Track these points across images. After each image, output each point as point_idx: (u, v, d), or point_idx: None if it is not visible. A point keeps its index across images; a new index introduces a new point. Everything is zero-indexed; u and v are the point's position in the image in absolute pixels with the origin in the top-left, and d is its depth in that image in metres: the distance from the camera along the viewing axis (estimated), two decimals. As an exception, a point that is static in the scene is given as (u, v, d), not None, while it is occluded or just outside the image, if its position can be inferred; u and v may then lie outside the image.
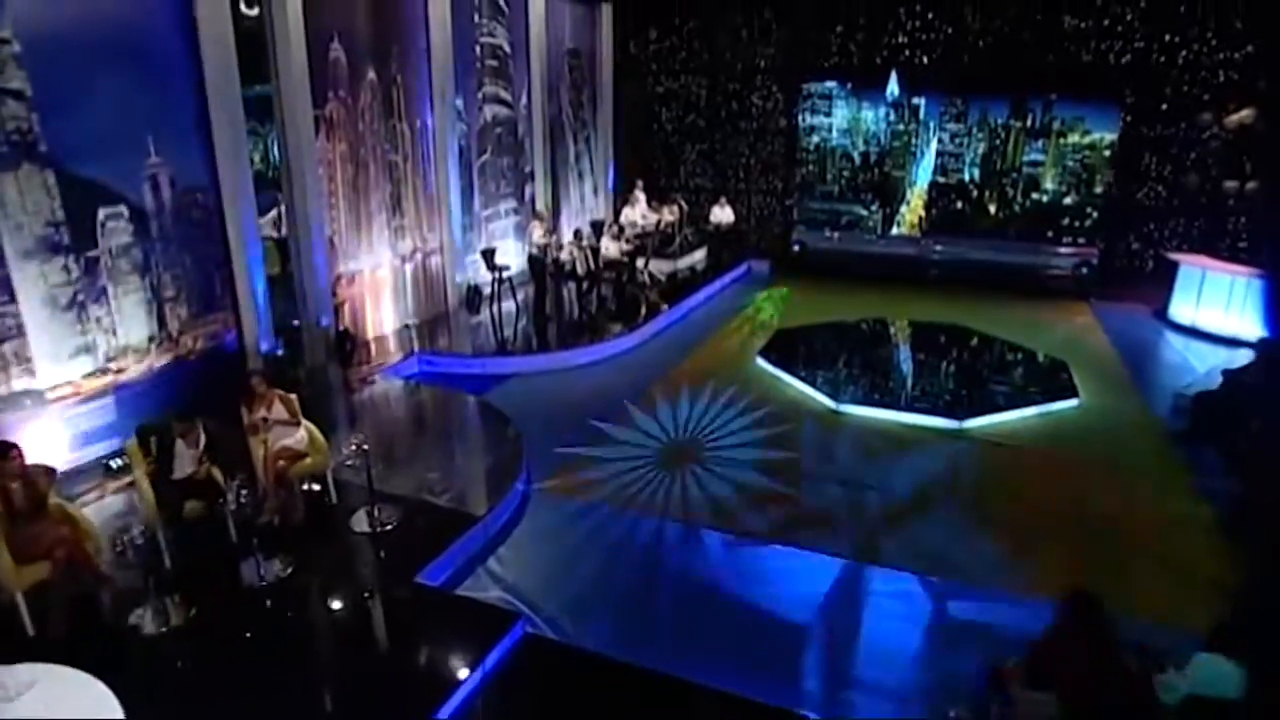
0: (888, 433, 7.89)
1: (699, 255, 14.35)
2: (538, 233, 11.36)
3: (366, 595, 5.17)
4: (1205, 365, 9.76)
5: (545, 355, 10.00)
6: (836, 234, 15.19)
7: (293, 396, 6.22)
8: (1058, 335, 11.18)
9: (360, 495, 6.10)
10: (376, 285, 10.76)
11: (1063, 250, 13.75)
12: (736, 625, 5.09)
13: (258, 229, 8.76)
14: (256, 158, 11.67)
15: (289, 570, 5.42)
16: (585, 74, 15.28)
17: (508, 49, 12.86)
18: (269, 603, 5.08)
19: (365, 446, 5.90)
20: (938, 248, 14.55)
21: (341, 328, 10.03)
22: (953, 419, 8.03)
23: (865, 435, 7.86)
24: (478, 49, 12.21)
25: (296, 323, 9.77)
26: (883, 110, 14.40)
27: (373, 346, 10.26)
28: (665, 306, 11.70)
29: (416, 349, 10.16)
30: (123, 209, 7.45)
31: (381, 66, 10.41)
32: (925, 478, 7.05)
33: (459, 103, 11.73)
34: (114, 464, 6.91)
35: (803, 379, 9.09)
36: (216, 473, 5.62)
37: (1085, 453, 7.52)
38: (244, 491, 5.42)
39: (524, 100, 13.46)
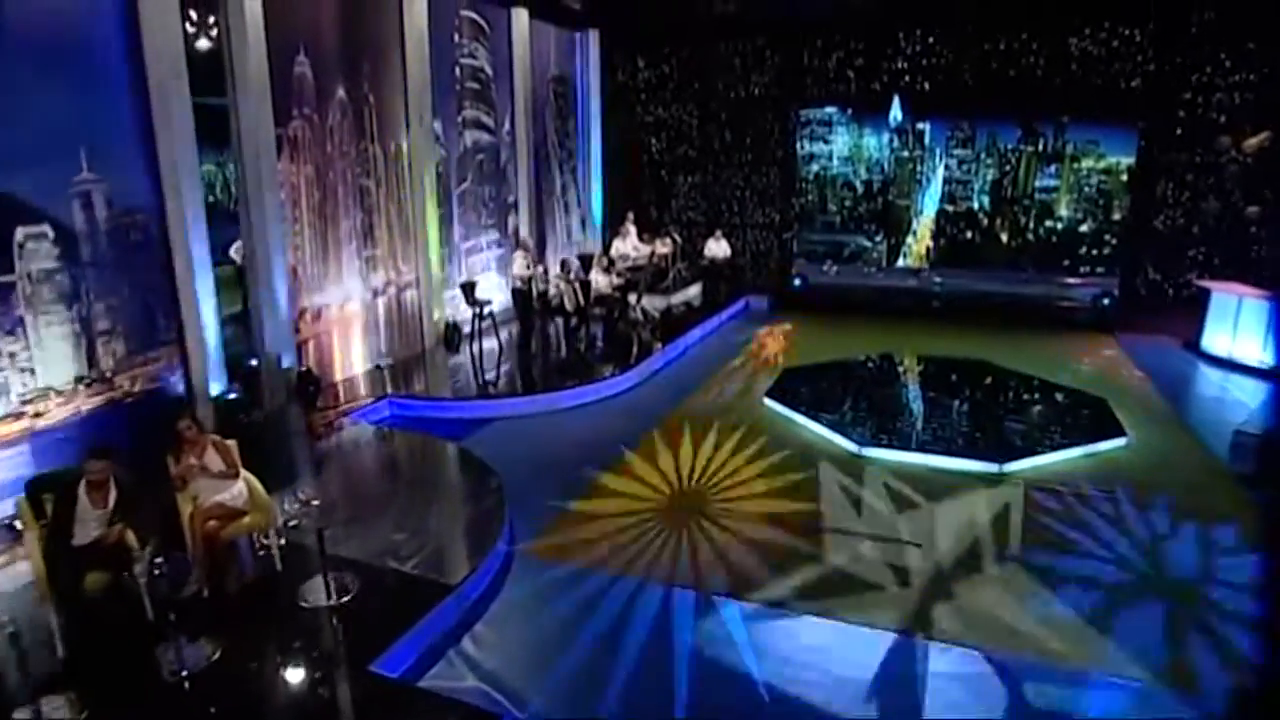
0: (920, 479, 7.04)
1: (694, 291, 13.93)
2: (519, 264, 10.58)
3: (313, 688, 4.15)
4: (1253, 400, 8.99)
5: (531, 397, 9.26)
6: (837, 267, 14.64)
7: (231, 443, 5.24)
8: (1085, 370, 10.48)
9: (314, 561, 5.09)
10: (345, 321, 9.96)
11: (1080, 280, 13.15)
12: (766, 718, 4.12)
13: (209, 256, 7.85)
14: (215, 182, 10.85)
15: (216, 656, 4.39)
16: (572, 101, 14.84)
17: (489, 71, 12.28)
18: (188, 699, 4.05)
19: (314, 502, 4.90)
20: (944, 280, 14.01)
21: (304, 368, 9.13)
22: (991, 462, 7.19)
23: (895, 482, 6.98)
24: (457, 70, 11.60)
25: (255, 362, 8.83)
26: (886, 136, 13.98)
27: (340, 389, 9.43)
28: (660, 345, 11.04)
29: (389, 391, 9.24)
30: (46, 229, 6.53)
31: (352, 84, 9.68)
32: (971, 530, 6.16)
33: (437, 126, 11.13)
34: (19, 524, 5.83)
35: (818, 420, 8.32)
36: (131, 536, 4.60)
37: (1147, 498, 6.65)
38: (159, 560, 4.39)
39: (506, 126, 12.90)
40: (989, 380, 10.12)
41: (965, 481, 7.05)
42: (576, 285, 11.16)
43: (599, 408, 9.16)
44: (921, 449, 7.60)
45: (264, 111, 8.38)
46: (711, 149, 15.36)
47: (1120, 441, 7.79)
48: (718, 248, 14.19)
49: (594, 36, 14.87)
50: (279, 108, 8.63)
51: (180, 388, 7.84)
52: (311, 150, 9.22)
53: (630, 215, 13.80)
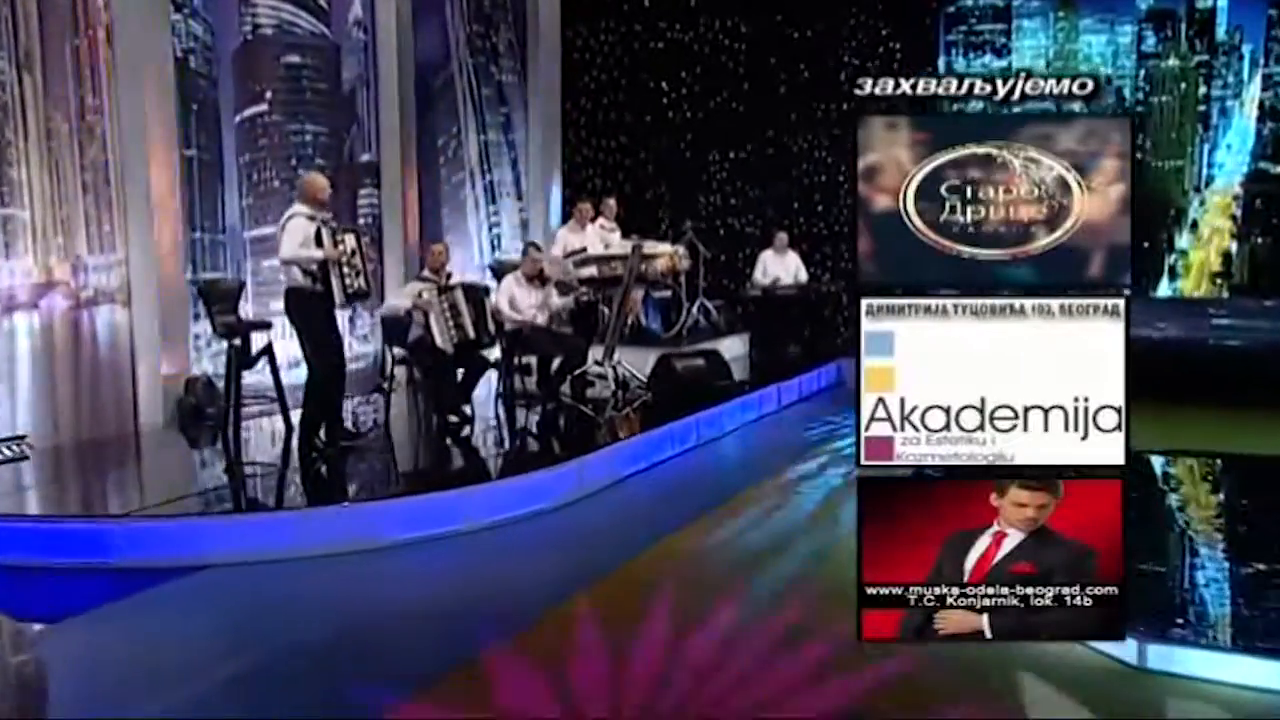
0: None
1: (732, 346, 12.74)
2: (292, 239, 8.60)
3: None
4: None
5: (312, 514, 7.65)
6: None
7: None
8: None
9: None
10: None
11: None
12: None
13: None
14: None
15: None
16: (506, -3, 13.79)
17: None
18: None
19: None
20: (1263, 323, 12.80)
21: None
22: None
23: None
24: None
25: None
26: (1126, 32, 12.87)
27: None
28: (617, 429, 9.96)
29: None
30: None
31: None
32: None
33: (184, -26, 9.76)
34: None
35: None
36: None
37: None
38: None
39: (355, 11, 11.50)
40: None
41: None
42: (459, 298, 9.29)
43: (478, 543, 7.48)
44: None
45: None
46: (772, 96, 14.24)
47: None
48: (781, 266, 12.99)
49: None
50: None
51: None
52: None
53: (610, 202, 12.37)
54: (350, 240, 8.35)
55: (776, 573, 6.79)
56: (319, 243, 8.01)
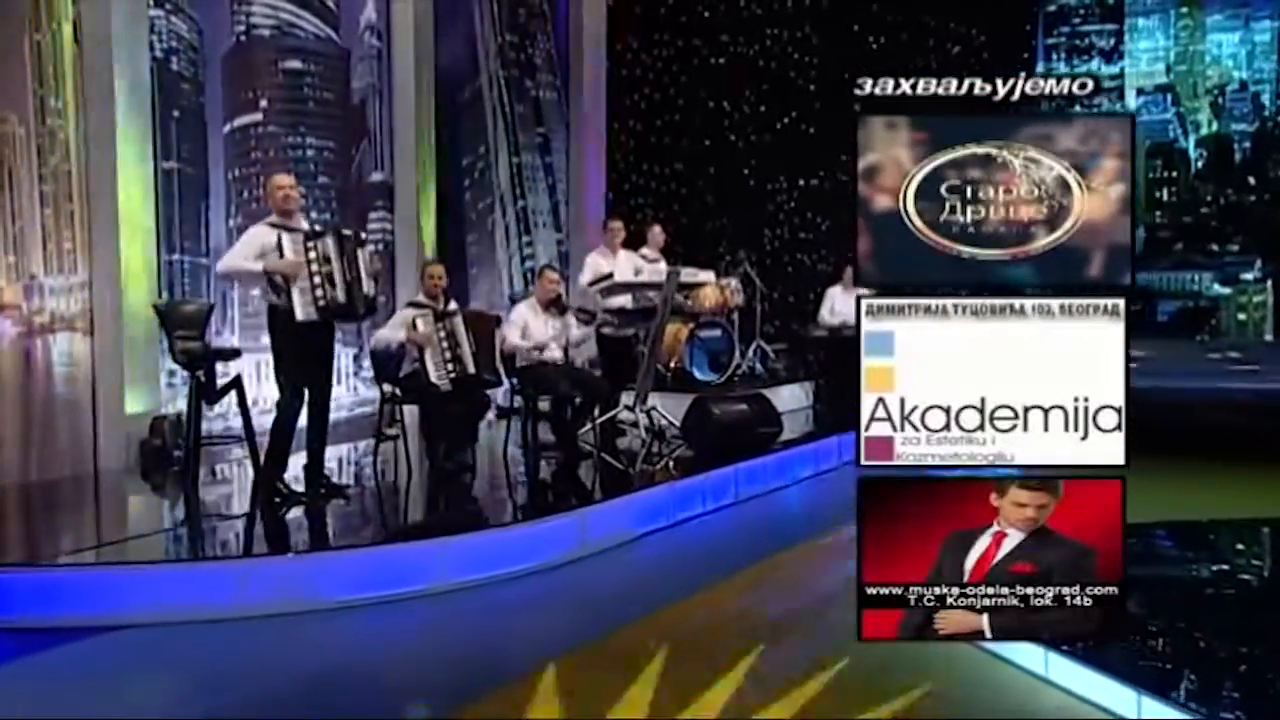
0: None
1: (793, 393, 12.68)
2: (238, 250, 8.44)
3: None
4: None
5: (254, 569, 7.22)
6: (1144, 353, 13.30)
7: None
8: None
9: None
10: None
11: None
12: None
13: None
14: None
15: None
16: (540, 2, 13.80)
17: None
18: None
19: None
20: None
21: None
22: None
23: None
24: None
25: None
26: (1265, 28, 12.73)
27: None
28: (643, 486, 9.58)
29: None
30: None
31: None
32: None
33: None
34: None
35: (1098, 666, 5.51)
36: None
37: None
38: None
39: (369, 15, 11.42)
40: None
41: None
42: (458, 326, 8.86)
43: (446, 605, 7.17)
44: None
45: None
46: (847, 115, 13.67)
47: None
48: (850, 304, 12.29)
49: None
50: None
51: None
52: None
53: (656, 229, 12.02)
54: (327, 245, 7.75)
55: (786, 655, 6.13)
56: (281, 253, 7.53)
